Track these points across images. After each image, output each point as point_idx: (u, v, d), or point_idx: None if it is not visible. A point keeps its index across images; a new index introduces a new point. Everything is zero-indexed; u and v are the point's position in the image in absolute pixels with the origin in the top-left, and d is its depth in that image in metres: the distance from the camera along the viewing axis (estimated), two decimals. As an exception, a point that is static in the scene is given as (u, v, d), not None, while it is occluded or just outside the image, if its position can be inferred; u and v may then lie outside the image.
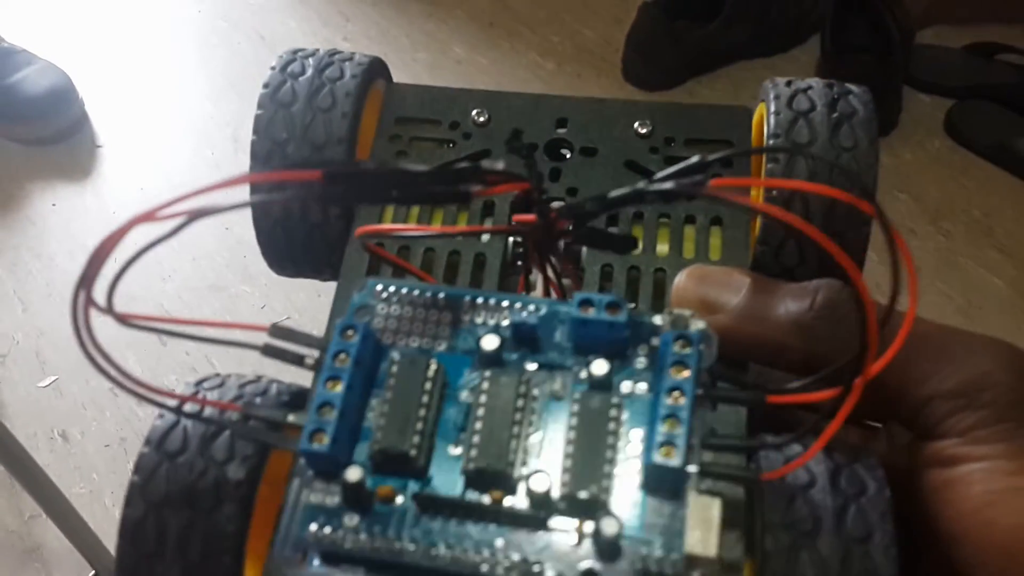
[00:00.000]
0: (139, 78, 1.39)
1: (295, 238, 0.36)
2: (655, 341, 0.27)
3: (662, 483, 0.24)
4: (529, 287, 0.35)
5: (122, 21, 1.47)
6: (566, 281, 0.32)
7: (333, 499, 0.25)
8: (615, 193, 0.25)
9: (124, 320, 0.25)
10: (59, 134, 1.29)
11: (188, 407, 0.28)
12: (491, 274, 0.34)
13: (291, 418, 0.27)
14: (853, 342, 0.23)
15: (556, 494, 0.24)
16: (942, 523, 0.27)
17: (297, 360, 0.28)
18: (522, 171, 0.27)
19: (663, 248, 0.33)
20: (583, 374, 0.27)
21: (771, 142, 0.33)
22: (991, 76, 1.30)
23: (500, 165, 0.25)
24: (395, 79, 0.39)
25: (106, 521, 0.94)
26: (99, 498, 0.99)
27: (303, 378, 0.29)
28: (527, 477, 0.25)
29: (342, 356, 0.26)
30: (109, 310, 0.24)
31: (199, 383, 0.30)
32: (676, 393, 0.25)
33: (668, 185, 0.24)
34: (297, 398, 0.30)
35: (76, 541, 0.90)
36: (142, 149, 1.27)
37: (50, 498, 0.88)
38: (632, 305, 0.28)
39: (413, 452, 0.25)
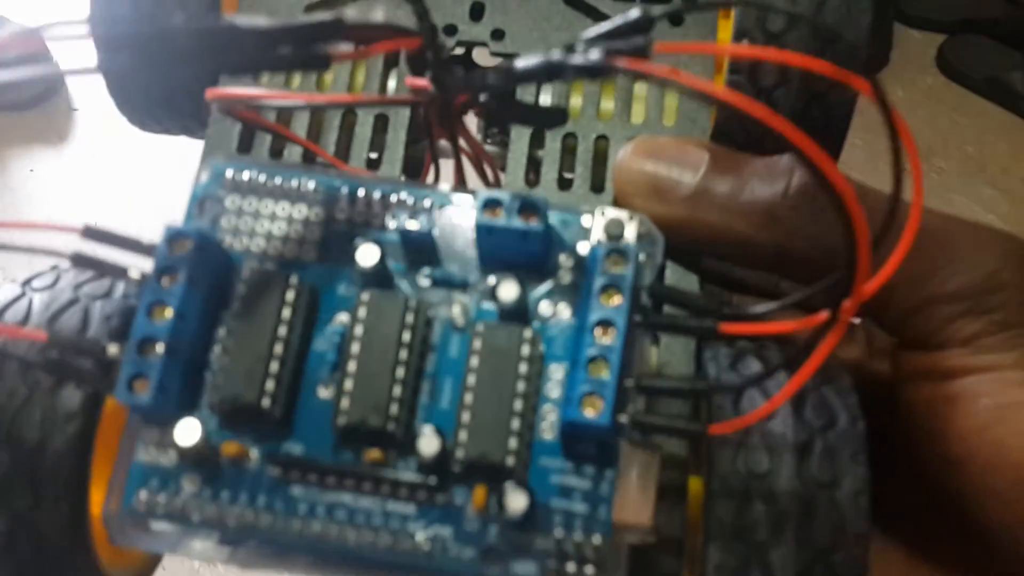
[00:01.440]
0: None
1: (153, 95, 0.30)
2: (582, 248, 0.21)
3: (584, 440, 0.20)
4: (438, 165, 0.28)
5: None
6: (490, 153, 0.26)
7: (170, 456, 0.20)
8: (524, 63, 0.18)
9: None
10: (34, 98, 1.27)
11: None
12: (395, 143, 0.27)
13: (112, 350, 0.20)
14: (835, 235, 0.17)
15: (452, 457, 0.20)
16: (939, 444, 0.23)
17: (119, 273, 0.21)
18: (407, 23, 0.20)
19: (607, 106, 0.27)
20: (488, 296, 0.21)
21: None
22: (983, 9, 1.28)
23: (379, 15, 0.20)
24: None
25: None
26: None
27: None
28: (414, 436, 0.20)
29: (171, 274, 0.20)
30: None
31: (27, 282, 0.23)
32: (605, 327, 0.20)
33: (595, 56, 0.17)
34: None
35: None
36: (119, 111, 1.25)
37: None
38: (550, 208, 0.21)
39: (266, 403, 0.20)
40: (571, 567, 0.19)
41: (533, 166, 0.27)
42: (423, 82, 0.21)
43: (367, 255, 0.21)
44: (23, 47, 0.19)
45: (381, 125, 0.27)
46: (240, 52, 0.18)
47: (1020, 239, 0.24)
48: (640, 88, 0.27)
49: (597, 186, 0.26)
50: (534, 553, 0.19)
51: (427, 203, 0.22)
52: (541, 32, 0.24)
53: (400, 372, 0.20)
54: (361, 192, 0.22)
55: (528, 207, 0.20)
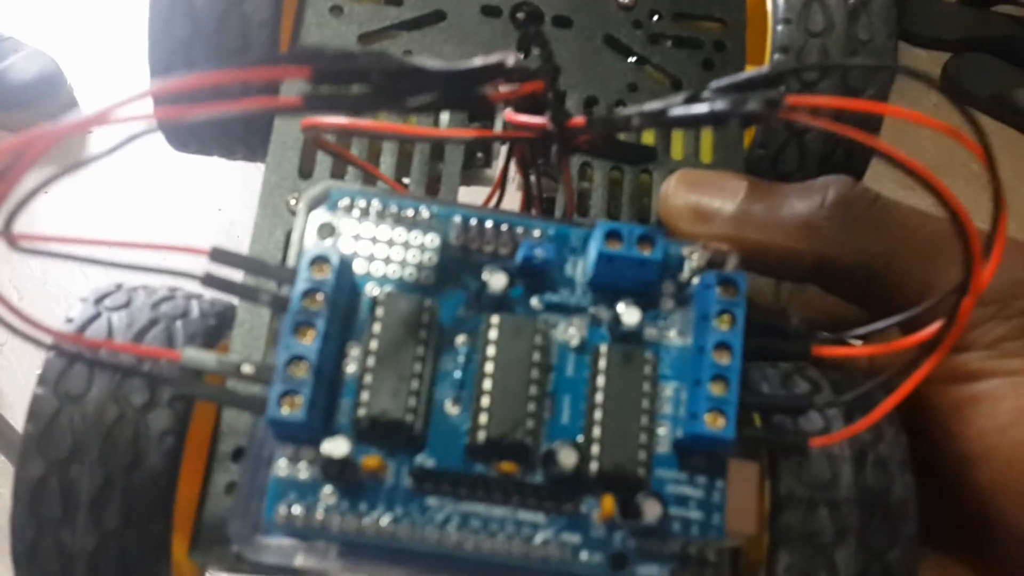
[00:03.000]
0: (127, 63, 1.38)
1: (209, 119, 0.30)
2: (682, 275, 0.23)
3: (701, 452, 0.21)
4: (531, 195, 0.29)
5: (108, 5, 1.46)
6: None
7: (305, 471, 0.21)
8: (677, 111, 0.20)
9: (15, 241, 0.20)
10: (48, 120, 1.28)
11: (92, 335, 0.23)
12: (451, 172, 0.29)
13: (246, 369, 0.21)
14: (872, 244, 0.20)
15: (586, 469, 0.21)
16: (960, 442, 0.24)
17: (248, 294, 0.22)
18: (538, 66, 0.22)
19: (648, 143, 0.29)
20: (605, 319, 0.23)
21: (779, 27, 0.29)
22: (987, 28, 1.29)
23: (510, 61, 0.20)
24: None
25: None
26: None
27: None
28: (550, 449, 0.21)
29: (315, 296, 0.21)
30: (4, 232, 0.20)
31: (99, 299, 0.24)
32: (723, 349, 0.21)
33: (753, 106, 0.19)
34: (225, 320, 0.25)
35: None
36: (134, 154, 1.26)
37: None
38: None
39: (410, 418, 0.21)
40: (691, 570, 0.21)
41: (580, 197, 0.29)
42: (538, 121, 0.23)
43: (497, 280, 0.22)
44: (94, 125, 0.19)
45: (437, 155, 0.29)
46: (420, 91, 0.19)
47: None
48: (677, 131, 0.29)
49: (643, 216, 0.28)
50: (659, 557, 0.21)
51: (537, 232, 0.23)
52: (583, 70, 0.25)
53: (533, 390, 0.21)
54: (473, 221, 0.23)
55: (646, 237, 0.22)
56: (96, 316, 0.24)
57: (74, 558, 0.22)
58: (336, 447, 0.20)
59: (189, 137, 0.31)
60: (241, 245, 0.25)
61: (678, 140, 0.29)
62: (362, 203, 0.23)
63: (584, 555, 0.21)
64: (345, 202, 0.23)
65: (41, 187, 0.19)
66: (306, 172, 0.28)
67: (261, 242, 0.27)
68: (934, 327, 0.20)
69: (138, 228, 1.12)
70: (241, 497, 0.21)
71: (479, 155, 0.30)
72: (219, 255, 0.22)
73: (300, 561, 0.21)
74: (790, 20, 0.29)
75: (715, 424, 0.21)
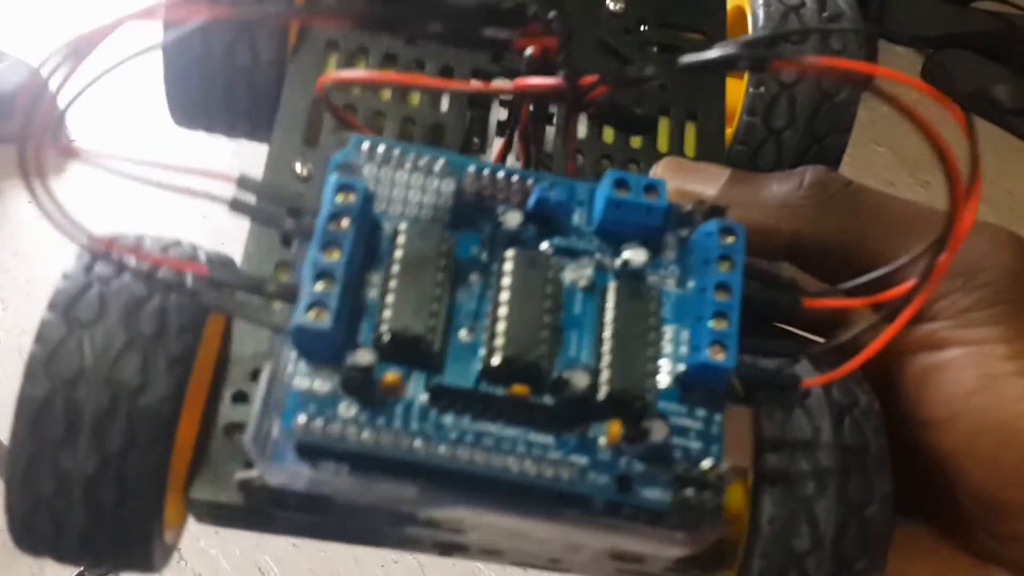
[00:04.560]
0: (110, 73, 1.37)
1: (214, 85, 0.31)
2: (684, 232, 0.24)
3: (702, 385, 0.23)
4: (530, 151, 0.30)
5: (92, 16, 1.46)
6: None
7: (324, 385, 0.22)
8: (694, 57, 0.22)
9: (71, 151, 0.22)
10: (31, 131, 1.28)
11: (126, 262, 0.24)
12: (457, 131, 0.30)
13: (270, 287, 0.23)
14: (845, 223, 0.22)
15: (596, 393, 0.22)
16: (926, 408, 0.26)
17: (270, 219, 0.24)
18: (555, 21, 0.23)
19: (636, 140, 0.31)
20: (614, 262, 0.24)
21: (761, 32, 0.31)
22: (967, 24, 1.30)
23: (532, 8, 0.22)
24: None
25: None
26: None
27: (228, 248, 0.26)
28: (562, 371, 0.22)
29: (340, 219, 0.22)
30: (58, 139, 0.21)
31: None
32: (724, 289, 0.23)
33: (758, 50, 0.21)
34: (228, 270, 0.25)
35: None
36: (115, 143, 1.26)
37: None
38: None
39: (430, 336, 0.22)
40: (690, 492, 0.22)
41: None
42: (552, 80, 0.24)
43: (512, 217, 0.24)
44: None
45: (437, 134, 0.30)
46: (440, 23, 0.21)
47: (1008, 229, 0.27)
48: (664, 122, 0.32)
49: None
50: (661, 480, 0.22)
51: (545, 183, 0.25)
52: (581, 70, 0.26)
53: (546, 318, 0.23)
54: (487, 170, 0.25)
55: (651, 186, 0.24)
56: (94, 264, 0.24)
57: (72, 481, 0.22)
58: (361, 356, 0.21)
59: (194, 109, 0.31)
60: (226, 251, 0.26)
61: (664, 134, 0.31)
62: (381, 148, 0.25)
63: (591, 476, 0.22)
64: (366, 146, 0.25)
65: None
66: (312, 141, 0.29)
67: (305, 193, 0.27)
68: (915, 279, 0.22)
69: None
70: (257, 410, 0.22)
71: (475, 140, 0.31)
72: (247, 184, 0.24)
73: (312, 478, 0.21)
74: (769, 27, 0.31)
75: (717, 355, 0.22)
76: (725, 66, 0.22)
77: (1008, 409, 0.24)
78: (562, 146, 0.29)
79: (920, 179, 1.15)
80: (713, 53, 0.21)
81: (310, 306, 0.21)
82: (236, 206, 0.23)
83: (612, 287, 0.23)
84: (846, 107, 0.31)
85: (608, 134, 0.31)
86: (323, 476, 0.21)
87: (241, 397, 0.25)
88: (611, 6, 0.33)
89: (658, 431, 0.22)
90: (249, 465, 0.23)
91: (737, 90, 0.32)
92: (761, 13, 0.32)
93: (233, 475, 0.24)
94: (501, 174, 0.25)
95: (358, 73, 0.27)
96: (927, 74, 1.25)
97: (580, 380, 0.22)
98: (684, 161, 0.30)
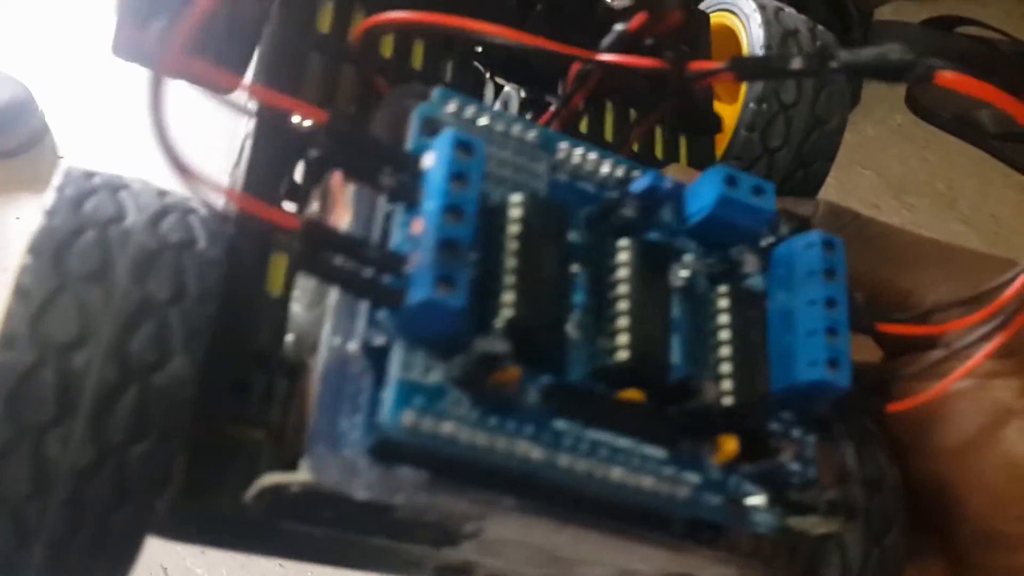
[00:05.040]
0: (99, 88, 1.37)
1: (237, 29, 0.27)
2: (765, 241, 0.23)
3: (807, 403, 0.21)
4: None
5: (81, 31, 1.46)
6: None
7: (432, 376, 0.18)
8: (845, 56, 0.21)
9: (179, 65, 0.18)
10: (20, 147, 1.28)
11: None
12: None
13: (372, 252, 0.18)
14: (857, 253, 0.21)
15: (723, 404, 0.20)
16: (932, 437, 0.26)
17: (366, 172, 0.19)
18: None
19: (634, 148, 0.30)
20: (705, 265, 0.22)
21: (763, 52, 0.31)
22: (951, 49, 1.31)
23: None
24: None
25: None
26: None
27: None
28: (689, 379, 0.20)
29: (463, 180, 0.19)
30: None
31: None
32: (833, 303, 0.21)
33: (924, 65, 0.20)
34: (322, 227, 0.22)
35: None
36: (103, 160, 1.26)
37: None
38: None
39: (554, 328, 0.19)
40: (794, 521, 0.21)
41: None
42: (652, 61, 0.23)
43: (630, 205, 0.21)
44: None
45: None
46: None
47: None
48: (658, 131, 0.31)
49: None
50: (770, 505, 0.21)
51: (637, 172, 0.23)
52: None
53: (665, 318, 0.21)
54: (579, 148, 0.22)
55: (760, 188, 0.22)
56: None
57: (55, 478, 0.18)
58: (494, 344, 0.18)
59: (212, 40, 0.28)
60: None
61: (659, 143, 0.31)
62: (471, 109, 0.21)
63: (705, 496, 0.20)
64: (453, 104, 0.21)
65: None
66: (327, 96, 0.27)
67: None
68: (999, 303, 0.22)
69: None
70: (323, 413, 0.19)
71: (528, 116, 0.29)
72: (338, 122, 0.20)
73: (386, 484, 0.18)
74: (771, 47, 0.32)
75: (835, 372, 0.21)
76: (891, 70, 0.20)
77: (1018, 444, 0.25)
78: (627, 130, 0.27)
79: (905, 202, 1.16)
80: (870, 54, 0.20)
81: (438, 279, 0.18)
82: (329, 159, 0.19)
83: (723, 291, 0.22)
84: (834, 135, 0.32)
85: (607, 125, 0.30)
86: (400, 482, 0.18)
87: (242, 388, 0.22)
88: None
89: (787, 451, 0.20)
90: (283, 467, 0.20)
91: (725, 105, 0.33)
92: (762, 33, 0.32)
93: (247, 480, 0.20)
94: (593, 154, 0.22)
95: (406, 14, 0.23)
96: (912, 98, 1.26)
97: (710, 392, 0.20)
98: (688, 169, 0.29)
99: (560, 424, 0.19)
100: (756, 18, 0.32)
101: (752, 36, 0.32)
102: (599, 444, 0.19)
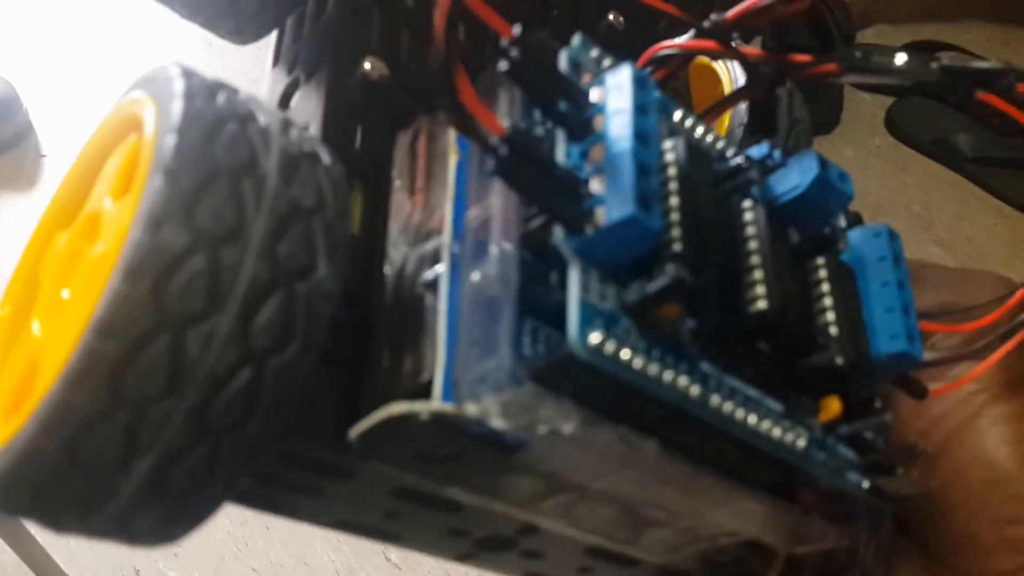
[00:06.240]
0: (83, 86, 1.37)
1: None
2: (843, 224, 0.25)
3: (885, 373, 0.23)
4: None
5: (65, 30, 1.46)
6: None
7: (609, 300, 0.18)
8: (976, 65, 0.22)
9: None
10: (3, 144, 1.27)
11: None
12: None
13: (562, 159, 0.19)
14: None
15: (836, 363, 0.21)
16: (914, 438, 0.27)
17: (543, 94, 0.20)
18: None
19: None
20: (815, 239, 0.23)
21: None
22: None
23: None
24: None
25: (57, 535, 0.93)
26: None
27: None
28: (820, 338, 0.21)
29: (647, 112, 0.19)
30: None
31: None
32: (903, 285, 0.23)
33: None
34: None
35: (24, 555, 0.89)
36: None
37: (-1, 512, 0.86)
38: None
39: (708, 273, 0.20)
40: (885, 481, 0.22)
41: None
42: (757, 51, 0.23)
43: (753, 176, 0.22)
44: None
45: None
46: None
47: (1003, 276, 0.28)
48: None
49: None
50: (858, 466, 0.22)
51: (728, 148, 0.24)
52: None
53: (801, 287, 0.22)
54: (690, 117, 0.23)
55: (843, 175, 0.23)
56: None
57: (188, 379, 0.16)
58: (682, 271, 0.18)
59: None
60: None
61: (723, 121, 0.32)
62: (606, 60, 0.22)
63: (813, 452, 0.21)
64: (593, 52, 0.22)
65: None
66: (421, 45, 0.26)
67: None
68: (977, 323, 0.24)
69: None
70: (464, 345, 0.18)
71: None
72: (530, 37, 0.19)
73: (544, 414, 0.18)
74: None
75: (913, 345, 0.22)
76: (987, 75, 0.21)
77: (998, 450, 0.25)
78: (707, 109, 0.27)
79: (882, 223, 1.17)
80: (983, 65, 0.21)
81: (639, 198, 0.18)
82: (513, 72, 0.19)
83: (821, 262, 0.22)
84: (808, 133, 0.32)
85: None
86: (557, 411, 0.18)
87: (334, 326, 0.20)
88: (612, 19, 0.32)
89: (888, 411, 0.21)
90: (413, 396, 0.19)
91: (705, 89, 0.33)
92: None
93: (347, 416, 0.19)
94: (700, 125, 0.23)
95: None
96: (890, 122, 1.28)
97: (834, 350, 0.21)
98: None
99: (706, 366, 0.20)
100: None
101: (735, 74, 0.33)
102: (735, 390, 0.20)
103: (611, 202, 0.18)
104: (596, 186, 0.18)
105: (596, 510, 0.22)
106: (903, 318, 0.22)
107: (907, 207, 1.19)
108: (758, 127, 0.30)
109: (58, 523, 0.18)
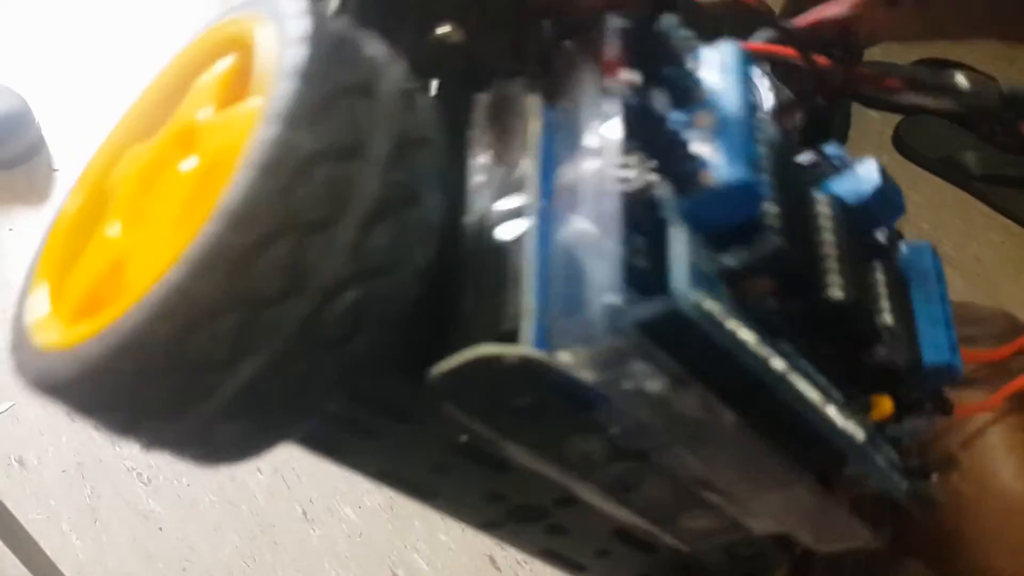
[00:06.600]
0: (95, 101, 1.38)
1: None
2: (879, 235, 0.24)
3: (927, 385, 0.23)
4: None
5: (78, 45, 1.47)
6: None
7: (708, 263, 0.19)
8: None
9: None
10: (16, 158, 1.28)
11: None
12: None
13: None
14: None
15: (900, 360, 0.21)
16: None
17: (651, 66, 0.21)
18: None
19: None
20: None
21: None
22: (936, 92, 1.32)
23: None
24: None
25: (63, 548, 0.93)
26: (56, 524, 0.97)
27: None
28: (885, 330, 0.21)
29: (747, 82, 0.21)
30: None
31: None
32: (945, 302, 0.24)
33: None
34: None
35: (32, 567, 0.89)
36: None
37: (6, 524, 0.86)
38: None
39: (805, 255, 0.21)
40: (924, 486, 0.22)
41: None
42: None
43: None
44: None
45: None
46: None
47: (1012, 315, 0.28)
48: None
49: None
50: (899, 465, 0.22)
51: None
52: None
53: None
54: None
55: (896, 188, 0.24)
56: None
57: (304, 286, 0.16)
58: (784, 244, 0.19)
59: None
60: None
61: None
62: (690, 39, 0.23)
63: (869, 447, 0.21)
64: (682, 31, 0.23)
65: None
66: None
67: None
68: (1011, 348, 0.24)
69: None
70: (560, 294, 0.19)
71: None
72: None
73: (638, 370, 0.18)
74: None
75: (956, 357, 0.23)
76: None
77: (1015, 481, 0.26)
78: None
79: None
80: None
81: (751, 162, 0.19)
82: (627, 37, 0.20)
83: (884, 267, 0.23)
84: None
85: None
86: (644, 369, 0.18)
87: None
88: None
89: (936, 412, 0.22)
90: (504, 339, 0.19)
91: None
92: None
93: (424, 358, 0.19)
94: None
95: None
96: (897, 140, 1.28)
97: (896, 347, 0.21)
98: None
99: (785, 346, 0.20)
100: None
101: None
102: (808, 374, 0.20)
103: (723, 165, 0.18)
104: (702, 149, 0.19)
105: (648, 486, 0.22)
106: (946, 331, 0.23)
107: (915, 226, 1.19)
108: (811, 134, 0.30)
109: (138, 424, 0.18)
